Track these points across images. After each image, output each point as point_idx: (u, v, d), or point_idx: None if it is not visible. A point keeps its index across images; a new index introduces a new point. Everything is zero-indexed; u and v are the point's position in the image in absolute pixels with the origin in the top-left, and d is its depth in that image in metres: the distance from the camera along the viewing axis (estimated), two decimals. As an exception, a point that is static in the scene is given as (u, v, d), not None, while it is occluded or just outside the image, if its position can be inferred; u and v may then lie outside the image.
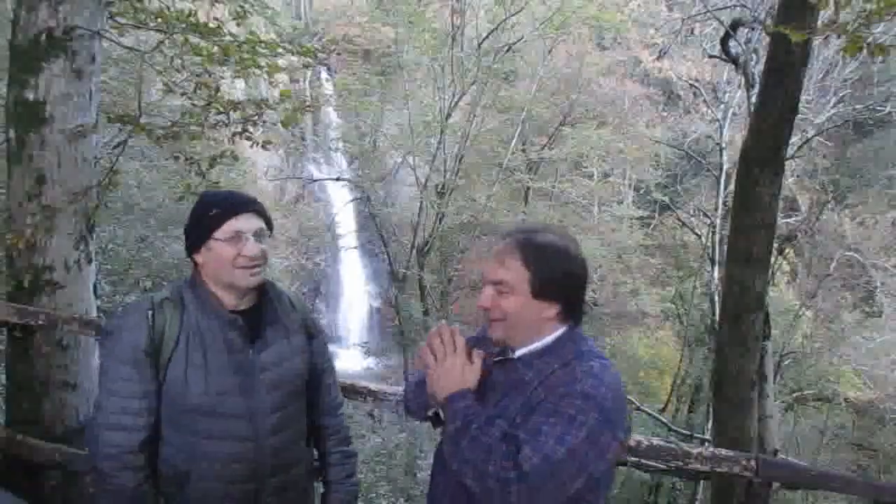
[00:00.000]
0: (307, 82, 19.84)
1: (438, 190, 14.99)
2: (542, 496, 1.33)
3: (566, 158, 18.73)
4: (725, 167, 13.31)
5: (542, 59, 17.05)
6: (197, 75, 4.17)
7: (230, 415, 1.76)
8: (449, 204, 15.08)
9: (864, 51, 3.09)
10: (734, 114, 14.02)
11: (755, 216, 4.47)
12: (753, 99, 6.72)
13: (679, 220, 17.78)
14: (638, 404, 11.39)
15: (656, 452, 2.25)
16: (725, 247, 5.85)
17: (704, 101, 15.29)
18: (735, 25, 7.99)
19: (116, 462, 1.70)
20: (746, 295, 4.55)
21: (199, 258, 1.79)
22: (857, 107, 14.83)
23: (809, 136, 12.96)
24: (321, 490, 2.04)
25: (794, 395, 14.15)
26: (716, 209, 13.52)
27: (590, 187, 20.91)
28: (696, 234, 15.92)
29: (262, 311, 1.86)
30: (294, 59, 4.83)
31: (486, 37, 14.95)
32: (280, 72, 4.56)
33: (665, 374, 17.22)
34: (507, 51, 15.04)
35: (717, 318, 8.99)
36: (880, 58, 3.13)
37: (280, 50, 4.32)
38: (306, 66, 5.40)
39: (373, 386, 2.68)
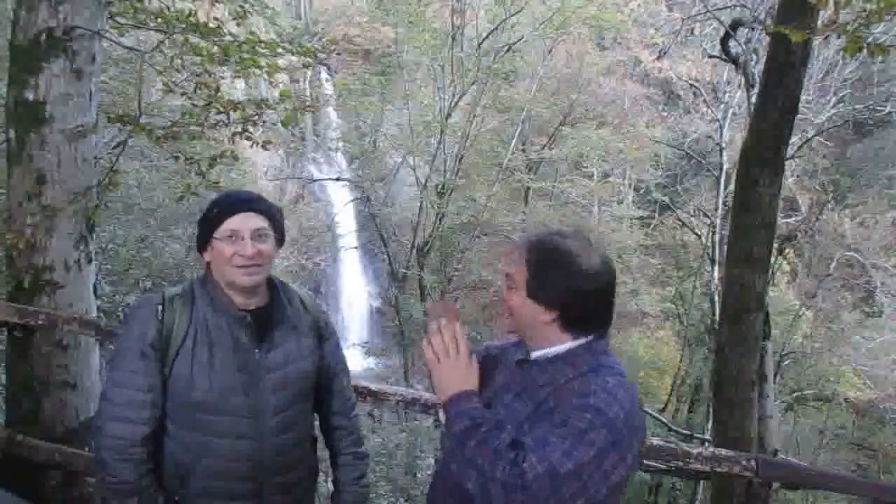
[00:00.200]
0: (307, 82, 19.79)
1: (438, 190, 14.98)
2: None
3: (566, 158, 18.70)
4: (725, 167, 13.31)
5: (542, 59, 17.04)
6: (197, 75, 4.16)
7: (233, 413, 1.77)
8: (449, 204, 15.06)
9: (864, 51, 3.10)
10: (734, 114, 14.02)
11: (755, 216, 4.48)
12: (753, 99, 6.71)
13: (679, 220, 17.76)
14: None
15: (656, 452, 2.25)
16: (725, 247, 5.86)
17: (704, 101, 15.29)
18: (735, 25, 8.00)
19: (118, 454, 1.71)
20: (746, 295, 4.56)
21: (207, 257, 1.83)
22: (857, 107, 14.85)
23: (809, 136, 12.98)
24: (331, 490, 2.04)
25: (794, 395, 14.13)
26: (716, 209, 13.53)
27: (590, 187, 20.88)
28: (696, 234, 15.90)
29: (272, 311, 1.87)
30: (294, 59, 4.83)
31: (486, 37, 14.94)
32: (280, 72, 4.57)
33: (665, 374, 17.20)
34: (507, 51, 15.02)
35: (717, 318, 8.98)
36: (880, 58, 3.14)
37: (280, 50, 4.32)
38: (306, 66, 5.41)
39: (373, 386, 2.68)
